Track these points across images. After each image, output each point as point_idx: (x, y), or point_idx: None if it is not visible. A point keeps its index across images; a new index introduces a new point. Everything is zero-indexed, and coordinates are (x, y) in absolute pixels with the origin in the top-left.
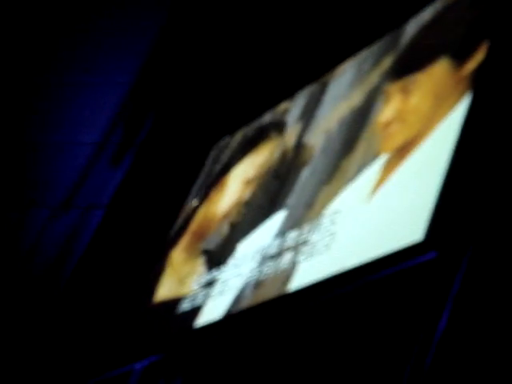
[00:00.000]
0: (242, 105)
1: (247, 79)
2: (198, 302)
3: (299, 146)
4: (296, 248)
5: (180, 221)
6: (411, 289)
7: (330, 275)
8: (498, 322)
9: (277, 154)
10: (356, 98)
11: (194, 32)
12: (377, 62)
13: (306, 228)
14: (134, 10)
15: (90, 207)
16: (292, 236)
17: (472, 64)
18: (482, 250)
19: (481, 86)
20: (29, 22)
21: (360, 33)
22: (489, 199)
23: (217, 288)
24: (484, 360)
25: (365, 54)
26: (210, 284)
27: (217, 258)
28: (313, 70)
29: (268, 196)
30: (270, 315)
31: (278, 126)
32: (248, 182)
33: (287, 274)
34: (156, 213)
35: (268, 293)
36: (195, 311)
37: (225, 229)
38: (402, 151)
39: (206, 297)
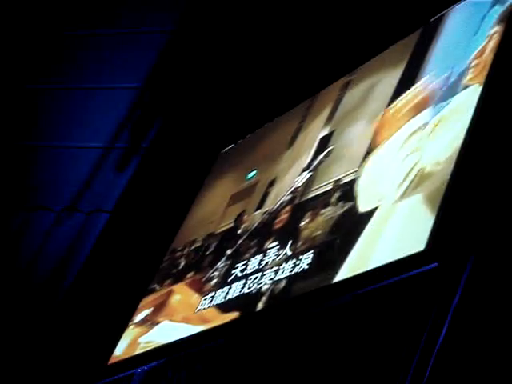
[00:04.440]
0: (247, 112)
1: (253, 86)
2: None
3: None
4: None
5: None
6: (413, 298)
7: (333, 283)
8: (498, 330)
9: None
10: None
11: (202, 40)
12: None
13: None
14: (143, 17)
15: (94, 211)
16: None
17: None
18: (483, 260)
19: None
20: (38, 28)
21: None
22: (490, 210)
23: None
24: (484, 368)
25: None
26: None
27: None
28: (315, 81)
29: None
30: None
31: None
32: None
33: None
34: (160, 218)
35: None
36: None
37: None
38: None
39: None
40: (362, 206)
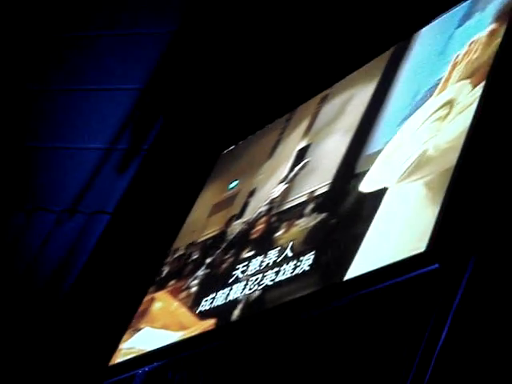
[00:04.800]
0: (248, 113)
1: (254, 87)
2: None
3: None
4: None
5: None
6: (413, 300)
7: (334, 284)
8: (500, 331)
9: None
10: None
11: (203, 41)
12: None
13: None
14: (144, 19)
15: (95, 213)
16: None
17: None
18: (484, 261)
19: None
20: (39, 29)
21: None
22: (491, 210)
23: None
24: (486, 369)
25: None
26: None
27: None
28: (315, 82)
29: None
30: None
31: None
32: None
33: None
34: (161, 220)
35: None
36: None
37: None
38: None
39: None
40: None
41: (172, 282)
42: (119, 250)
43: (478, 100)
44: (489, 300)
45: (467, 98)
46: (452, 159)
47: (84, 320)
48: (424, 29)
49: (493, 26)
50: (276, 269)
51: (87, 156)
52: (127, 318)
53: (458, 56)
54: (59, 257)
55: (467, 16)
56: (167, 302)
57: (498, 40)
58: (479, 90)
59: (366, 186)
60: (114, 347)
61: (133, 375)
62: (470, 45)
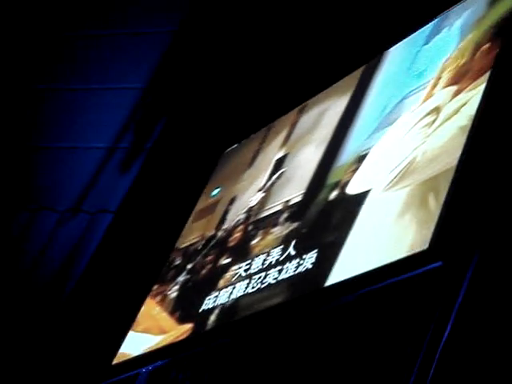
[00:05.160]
0: (251, 111)
1: (256, 86)
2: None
3: None
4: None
5: None
6: (416, 297)
7: (336, 283)
8: (504, 329)
9: None
10: None
11: (205, 40)
12: None
13: None
14: (146, 17)
15: (98, 212)
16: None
17: None
18: (487, 258)
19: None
20: (40, 29)
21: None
22: (494, 205)
23: None
24: (489, 368)
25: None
26: None
27: None
28: (317, 82)
29: None
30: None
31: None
32: None
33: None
34: (164, 218)
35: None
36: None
37: None
38: None
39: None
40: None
41: (156, 287)
42: (122, 248)
43: (466, 103)
44: (493, 297)
45: (453, 104)
46: (451, 160)
47: (87, 319)
48: (393, 47)
49: (468, 37)
50: (254, 278)
51: (90, 155)
52: (130, 317)
53: (443, 64)
54: (63, 256)
55: (435, 32)
56: (149, 307)
57: (481, 49)
58: (464, 95)
59: (351, 190)
60: (117, 346)
61: (136, 374)
62: (452, 54)
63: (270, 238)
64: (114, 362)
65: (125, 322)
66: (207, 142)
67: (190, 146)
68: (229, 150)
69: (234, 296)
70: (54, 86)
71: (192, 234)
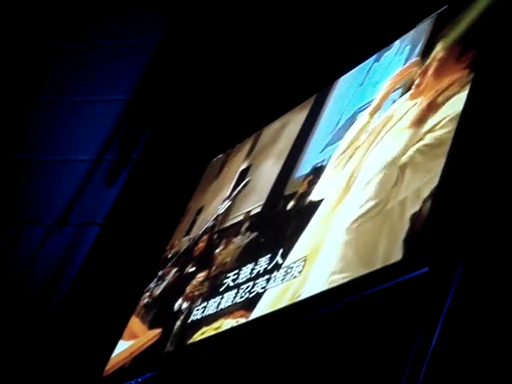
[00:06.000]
0: (235, 121)
1: (240, 95)
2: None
3: None
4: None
5: None
6: (404, 304)
7: (323, 291)
8: (491, 333)
9: None
10: None
11: (189, 51)
12: None
13: None
14: (129, 29)
15: (85, 224)
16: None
17: None
18: (474, 263)
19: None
20: (26, 41)
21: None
22: (479, 211)
23: None
24: (478, 372)
25: None
26: None
27: None
28: (304, 89)
29: None
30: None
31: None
32: None
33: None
34: (152, 229)
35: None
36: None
37: None
38: None
39: None
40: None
41: None
42: (110, 260)
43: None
44: (480, 302)
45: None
46: (436, 164)
47: (76, 332)
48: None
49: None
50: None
51: (76, 167)
52: (119, 328)
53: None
54: (50, 269)
55: (385, 50)
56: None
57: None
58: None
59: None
60: (105, 359)
61: None
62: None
63: (231, 247)
64: (106, 368)
65: (113, 334)
66: (192, 152)
67: (176, 157)
68: (214, 160)
69: (222, 306)
70: (40, 99)
71: (169, 242)
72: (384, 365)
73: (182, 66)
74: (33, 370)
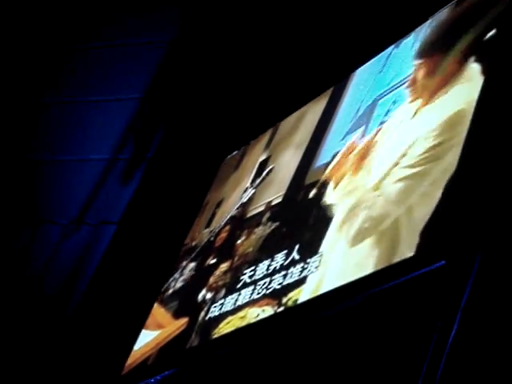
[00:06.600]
0: (249, 117)
1: (255, 94)
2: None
3: None
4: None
5: None
6: (421, 297)
7: (341, 286)
8: (508, 327)
9: None
10: None
11: (203, 49)
12: None
13: None
14: (143, 28)
15: (101, 223)
16: None
17: None
18: (491, 256)
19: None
20: (40, 41)
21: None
22: (495, 203)
23: None
24: (496, 367)
25: None
26: None
27: None
28: (316, 88)
29: None
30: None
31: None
32: None
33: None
34: (167, 227)
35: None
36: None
37: None
38: None
39: None
40: None
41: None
42: (127, 259)
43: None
44: (498, 295)
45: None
46: (451, 159)
47: (94, 331)
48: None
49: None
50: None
51: (91, 167)
52: (137, 327)
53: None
54: (68, 269)
55: (404, 39)
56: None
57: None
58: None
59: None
60: (123, 358)
61: None
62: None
63: (253, 237)
64: (128, 362)
65: (131, 333)
66: (207, 150)
67: (191, 154)
68: (229, 156)
69: (239, 303)
70: (54, 100)
71: (188, 236)
72: (402, 360)
73: (195, 63)
74: (52, 369)
